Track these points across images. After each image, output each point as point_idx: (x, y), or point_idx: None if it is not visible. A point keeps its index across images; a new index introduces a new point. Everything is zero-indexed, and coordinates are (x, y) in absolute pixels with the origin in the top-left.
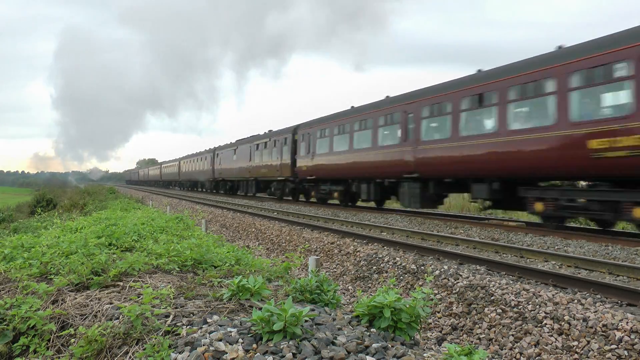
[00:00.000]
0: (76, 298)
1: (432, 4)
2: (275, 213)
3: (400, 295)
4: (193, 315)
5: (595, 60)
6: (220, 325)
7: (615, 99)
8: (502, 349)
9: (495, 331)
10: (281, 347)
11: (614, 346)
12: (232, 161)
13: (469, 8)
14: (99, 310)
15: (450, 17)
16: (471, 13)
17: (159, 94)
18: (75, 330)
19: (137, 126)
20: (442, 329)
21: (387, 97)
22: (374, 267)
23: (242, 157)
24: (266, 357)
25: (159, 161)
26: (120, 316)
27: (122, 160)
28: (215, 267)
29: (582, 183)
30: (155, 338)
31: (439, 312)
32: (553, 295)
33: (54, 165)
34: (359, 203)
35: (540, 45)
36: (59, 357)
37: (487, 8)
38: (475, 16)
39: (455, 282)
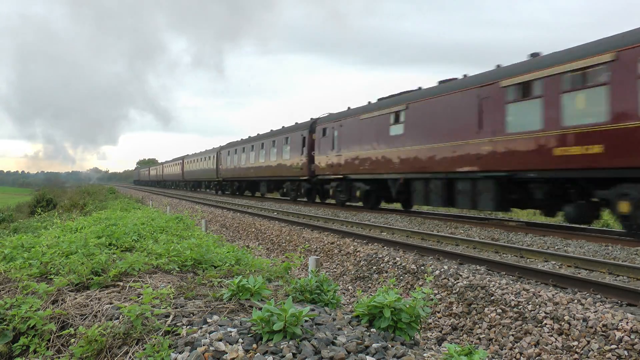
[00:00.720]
0: (76, 298)
1: (430, 4)
2: (275, 213)
3: (400, 295)
4: (193, 315)
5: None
6: (220, 325)
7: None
8: (502, 349)
9: (495, 331)
10: (281, 347)
11: (614, 346)
12: (386, 138)
13: (467, 8)
14: (99, 310)
15: (449, 17)
16: (470, 13)
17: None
18: (75, 330)
19: (122, 126)
20: (442, 329)
21: None
22: (374, 267)
23: (429, 125)
24: (266, 357)
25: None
26: (120, 316)
27: (121, 161)
28: (215, 267)
29: None
30: (155, 338)
31: (439, 312)
32: (553, 295)
33: (52, 165)
34: None
35: (540, 45)
36: (59, 357)
37: (486, 8)
38: (474, 16)
39: (455, 282)
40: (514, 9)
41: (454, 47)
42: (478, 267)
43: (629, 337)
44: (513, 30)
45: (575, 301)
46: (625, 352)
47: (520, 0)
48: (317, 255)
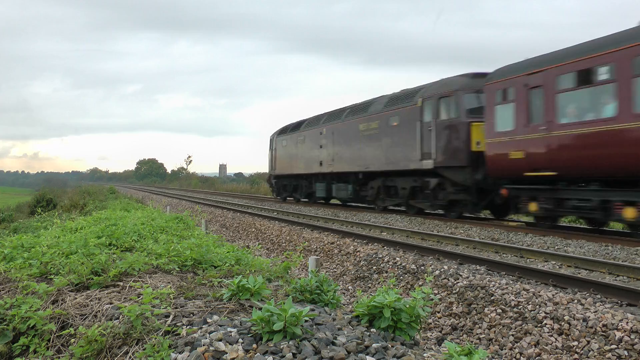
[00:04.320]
0: (76, 298)
1: (429, 4)
2: (275, 213)
3: (400, 295)
4: (193, 315)
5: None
6: (220, 325)
7: None
8: (502, 349)
9: (495, 331)
10: (281, 347)
11: (614, 346)
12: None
13: (466, 8)
14: (99, 310)
15: (448, 17)
16: (468, 13)
17: None
18: (75, 330)
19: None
20: (442, 329)
21: None
22: (374, 267)
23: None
24: (266, 357)
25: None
26: (120, 316)
27: (121, 161)
28: (215, 267)
29: None
30: (155, 338)
31: (439, 312)
32: (553, 295)
33: (48, 165)
34: None
35: (539, 45)
36: (59, 357)
37: (485, 8)
38: (473, 16)
39: (455, 282)
40: (512, 9)
41: (453, 48)
42: (478, 267)
43: (629, 337)
44: (511, 30)
45: (575, 301)
46: (625, 352)
47: (518, 0)
48: (317, 255)
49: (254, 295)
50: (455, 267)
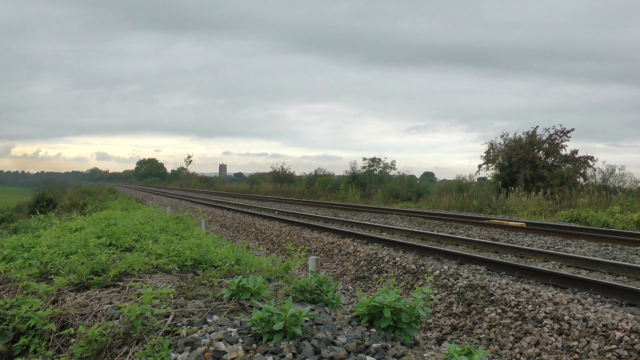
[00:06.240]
0: (76, 298)
1: (428, 4)
2: (276, 213)
3: (400, 295)
4: (193, 315)
5: None
6: (220, 325)
7: None
8: (502, 349)
9: (495, 331)
10: (281, 347)
11: (614, 346)
12: None
13: (464, 8)
14: (99, 310)
15: (446, 17)
16: (467, 13)
17: None
18: (75, 330)
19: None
20: (442, 329)
21: None
22: (374, 267)
23: None
24: (266, 357)
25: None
26: (120, 316)
27: (122, 161)
28: (215, 267)
29: None
30: (155, 338)
31: (439, 312)
32: (553, 295)
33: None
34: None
35: (539, 45)
36: (59, 357)
37: (483, 8)
38: (471, 16)
39: (455, 282)
40: (511, 9)
41: (452, 48)
42: (478, 267)
43: (629, 337)
44: (510, 30)
45: (575, 301)
46: (625, 352)
47: (517, 1)
48: (317, 255)
49: (254, 295)
50: (455, 267)
